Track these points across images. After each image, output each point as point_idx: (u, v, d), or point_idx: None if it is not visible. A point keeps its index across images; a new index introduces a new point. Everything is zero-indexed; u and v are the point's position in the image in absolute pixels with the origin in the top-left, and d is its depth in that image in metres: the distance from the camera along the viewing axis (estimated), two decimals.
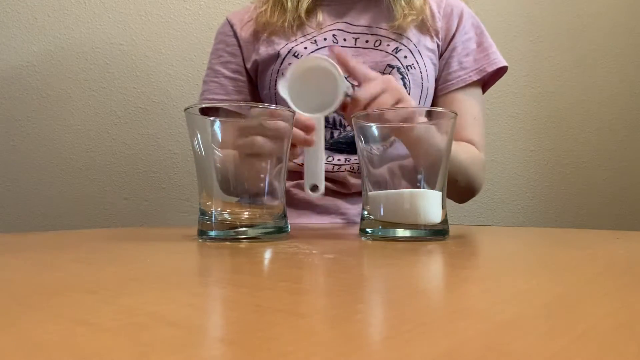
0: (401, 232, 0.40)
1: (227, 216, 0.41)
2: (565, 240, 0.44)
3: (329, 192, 0.75)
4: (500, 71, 0.79)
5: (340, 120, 0.74)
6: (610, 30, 1.30)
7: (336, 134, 0.75)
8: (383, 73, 0.75)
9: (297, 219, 0.74)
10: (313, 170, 0.45)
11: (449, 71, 0.78)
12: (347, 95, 0.51)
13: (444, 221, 0.41)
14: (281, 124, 0.43)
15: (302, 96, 0.50)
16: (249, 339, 0.13)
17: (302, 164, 0.74)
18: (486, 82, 0.81)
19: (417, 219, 0.40)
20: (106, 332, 0.13)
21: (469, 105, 0.78)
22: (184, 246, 0.38)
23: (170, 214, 1.17)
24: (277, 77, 0.77)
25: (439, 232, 0.40)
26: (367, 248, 0.36)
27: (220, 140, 0.41)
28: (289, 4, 0.77)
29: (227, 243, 0.39)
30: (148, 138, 1.17)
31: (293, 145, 0.49)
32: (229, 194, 0.41)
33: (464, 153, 0.72)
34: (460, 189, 0.74)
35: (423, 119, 0.43)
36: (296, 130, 0.47)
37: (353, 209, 0.75)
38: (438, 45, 0.79)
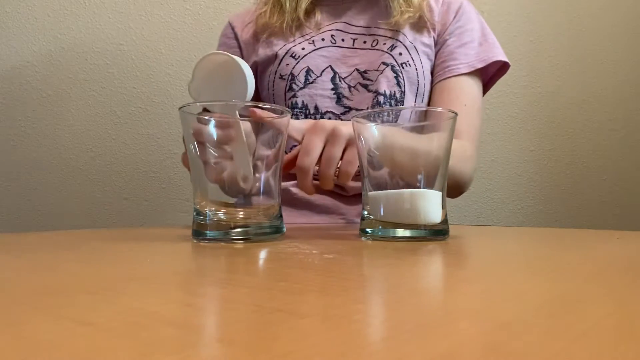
0: (401, 232, 0.40)
1: (222, 216, 0.41)
2: (565, 240, 0.44)
3: (328, 193, 0.75)
4: (502, 68, 0.78)
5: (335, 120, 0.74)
6: (610, 30, 1.30)
7: None
8: (377, 70, 0.74)
9: (296, 219, 0.74)
10: (241, 161, 0.44)
11: (440, 61, 0.77)
12: (289, 150, 0.49)
13: (444, 221, 0.41)
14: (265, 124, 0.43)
15: (214, 95, 0.49)
16: (249, 339, 0.13)
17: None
18: (488, 79, 0.80)
19: (417, 219, 0.40)
20: (106, 332, 0.13)
21: (459, 93, 0.75)
22: (184, 246, 0.37)
23: (170, 214, 1.17)
24: (274, 78, 0.77)
25: (439, 232, 0.40)
26: (367, 248, 0.36)
27: (215, 140, 0.41)
28: (288, 4, 0.77)
29: (222, 244, 0.38)
30: (148, 138, 1.17)
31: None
32: (224, 193, 0.41)
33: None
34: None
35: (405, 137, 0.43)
36: (210, 129, 0.45)
37: (353, 210, 0.75)
38: (434, 39, 0.78)
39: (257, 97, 0.83)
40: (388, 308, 0.17)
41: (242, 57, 0.82)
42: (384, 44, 0.75)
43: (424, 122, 0.43)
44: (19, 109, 1.12)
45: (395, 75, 0.74)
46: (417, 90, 0.76)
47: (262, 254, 0.33)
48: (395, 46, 0.75)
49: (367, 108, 0.73)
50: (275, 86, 0.77)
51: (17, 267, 0.27)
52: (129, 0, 1.16)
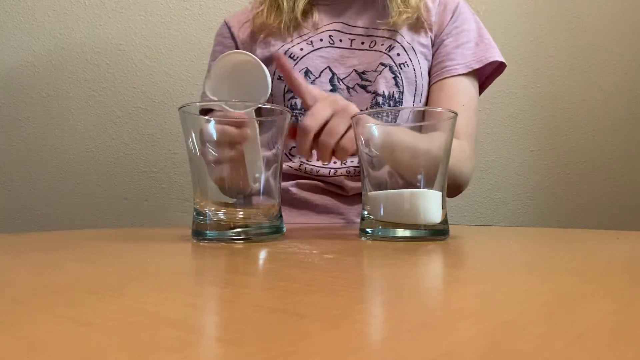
0: (401, 232, 0.40)
1: (222, 216, 0.41)
2: (565, 240, 0.44)
3: (327, 193, 0.75)
4: (498, 68, 0.78)
5: None
6: (611, 30, 1.30)
7: None
8: (375, 71, 0.74)
9: (296, 219, 0.74)
10: (254, 163, 0.44)
11: (437, 61, 0.77)
12: (295, 120, 0.50)
13: (444, 221, 0.41)
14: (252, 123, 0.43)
15: (231, 94, 0.49)
16: (249, 339, 0.13)
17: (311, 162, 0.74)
18: (484, 79, 0.80)
19: (417, 219, 0.40)
20: (106, 332, 0.13)
21: (457, 93, 0.75)
22: (184, 246, 0.37)
23: (170, 214, 1.17)
24: (273, 79, 0.77)
25: (439, 232, 0.40)
26: (367, 248, 0.36)
27: (215, 140, 0.41)
28: (285, 4, 0.77)
29: (222, 244, 0.38)
30: (148, 138, 1.17)
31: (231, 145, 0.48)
32: (224, 193, 0.41)
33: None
34: None
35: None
36: (228, 128, 0.44)
37: (352, 210, 0.75)
38: (431, 40, 0.78)
39: None
40: (388, 308, 0.17)
41: None
42: (382, 44, 0.75)
43: (424, 122, 0.43)
44: (19, 109, 1.12)
45: (393, 75, 0.74)
46: (416, 90, 0.76)
47: (262, 254, 0.33)
48: (393, 47, 0.75)
49: (366, 109, 0.73)
50: (274, 87, 0.77)
51: (17, 267, 0.27)
52: (129, 0, 1.16)
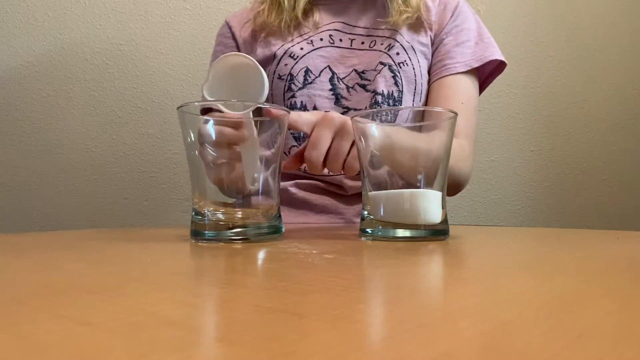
0: (401, 232, 0.40)
1: (220, 216, 0.41)
2: (565, 240, 0.44)
3: (327, 193, 0.75)
4: (498, 67, 0.78)
5: None
6: (610, 31, 1.30)
7: None
8: (374, 70, 0.74)
9: (295, 219, 0.74)
10: (252, 164, 0.44)
11: (437, 60, 0.77)
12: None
13: (444, 221, 0.41)
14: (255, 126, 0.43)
15: (229, 95, 0.49)
16: (249, 339, 0.13)
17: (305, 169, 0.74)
18: (484, 78, 0.80)
19: (417, 219, 0.40)
20: (106, 332, 0.13)
21: (456, 92, 0.75)
22: (184, 246, 0.37)
23: (170, 214, 1.17)
24: (273, 78, 0.77)
25: (439, 232, 0.40)
26: (367, 248, 0.36)
27: (213, 140, 0.41)
28: (286, 3, 0.77)
29: (221, 244, 0.38)
30: (148, 138, 1.17)
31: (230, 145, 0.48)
32: (223, 193, 0.41)
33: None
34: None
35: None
36: (225, 129, 0.44)
37: (351, 210, 0.75)
38: (431, 39, 0.78)
39: None
40: (388, 308, 0.17)
41: None
42: (382, 44, 0.75)
43: (423, 122, 0.43)
44: (19, 109, 1.12)
45: (392, 74, 0.74)
46: (415, 89, 0.76)
47: (262, 254, 0.33)
48: (393, 46, 0.75)
49: (366, 108, 0.73)
50: (273, 86, 0.76)
51: (17, 267, 0.27)
52: (129, 0, 1.16)
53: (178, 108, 0.41)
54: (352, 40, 0.77)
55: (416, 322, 0.14)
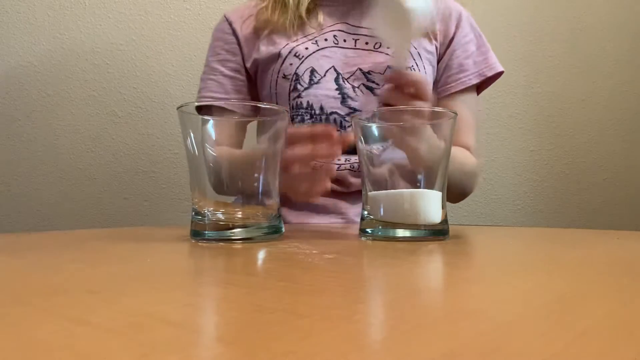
0: (401, 232, 0.40)
1: (221, 216, 0.41)
2: (565, 240, 0.44)
3: (328, 193, 0.75)
4: (496, 75, 0.80)
5: (340, 122, 0.74)
6: (611, 31, 1.30)
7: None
8: (382, 74, 0.75)
9: (296, 219, 0.74)
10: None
11: (449, 74, 0.79)
12: (301, 120, 0.51)
13: (444, 221, 0.41)
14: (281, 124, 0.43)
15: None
16: (249, 339, 0.13)
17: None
18: (481, 85, 0.81)
19: (417, 219, 0.40)
20: (106, 332, 0.13)
21: (467, 109, 0.78)
22: (184, 246, 0.37)
23: (170, 214, 1.17)
24: (277, 77, 0.76)
25: (439, 232, 0.40)
26: (367, 248, 0.36)
27: (214, 139, 0.41)
28: (290, 1, 0.77)
29: (221, 244, 0.38)
30: (148, 138, 1.17)
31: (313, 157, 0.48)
32: (222, 194, 0.41)
33: (458, 161, 0.72)
34: (450, 194, 0.75)
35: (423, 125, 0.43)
36: (319, 145, 0.46)
37: (352, 209, 0.75)
38: (436, 48, 0.79)
39: (257, 96, 0.82)
40: (388, 308, 0.17)
41: (242, 54, 0.81)
42: (387, 47, 0.75)
43: (429, 122, 0.43)
44: (19, 109, 1.12)
45: None
46: None
47: (262, 254, 0.33)
48: None
49: None
50: (278, 86, 0.76)
51: (17, 267, 0.27)
52: (129, 0, 1.16)
53: (178, 108, 0.41)
54: (355, 40, 0.77)
55: (416, 322, 0.14)
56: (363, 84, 0.75)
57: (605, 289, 0.20)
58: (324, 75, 0.75)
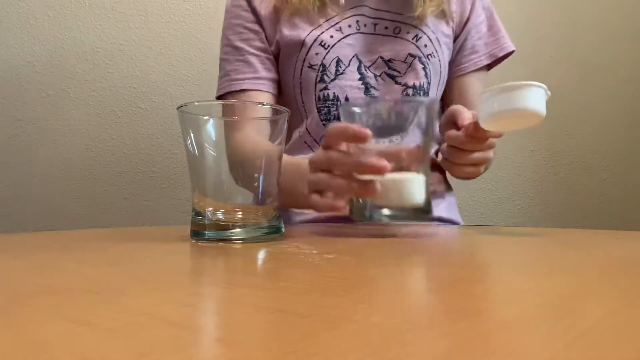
0: (387, 211, 0.43)
1: (220, 216, 0.41)
2: (565, 240, 0.44)
3: None
4: (507, 54, 0.81)
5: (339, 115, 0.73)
6: (611, 31, 1.30)
7: None
8: (404, 62, 0.74)
9: (301, 217, 0.73)
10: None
11: (463, 54, 0.79)
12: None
13: (428, 202, 0.44)
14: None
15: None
16: (249, 339, 0.13)
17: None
18: (491, 63, 0.82)
19: (403, 201, 0.43)
20: (106, 332, 0.13)
21: (479, 87, 0.79)
22: (184, 246, 0.37)
23: (170, 214, 1.17)
24: (302, 66, 0.73)
25: (422, 212, 0.43)
26: (367, 248, 0.36)
27: (214, 139, 0.41)
28: None
29: (221, 244, 0.38)
30: (148, 138, 1.17)
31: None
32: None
33: None
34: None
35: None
36: (370, 160, 0.40)
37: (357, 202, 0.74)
38: (453, 29, 0.79)
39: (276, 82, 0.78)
40: (388, 308, 0.17)
41: (264, 32, 0.76)
42: (408, 32, 0.74)
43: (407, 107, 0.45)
44: (19, 109, 1.12)
45: (422, 66, 0.74)
46: (440, 80, 0.77)
47: (262, 254, 0.33)
48: (420, 37, 0.74)
49: None
50: (303, 75, 0.74)
51: (17, 267, 0.27)
52: (129, 0, 1.16)
53: (178, 108, 0.41)
54: (375, 25, 0.75)
55: (416, 322, 0.14)
56: (384, 72, 0.74)
57: (605, 289, 0.20)
58: (348, 65, 0.74)
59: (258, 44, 0.75)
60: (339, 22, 0.75)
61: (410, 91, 0.74)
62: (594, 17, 1.30)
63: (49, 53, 1.13)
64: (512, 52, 0.80)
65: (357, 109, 0.45)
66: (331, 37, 0.74)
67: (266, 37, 0.76)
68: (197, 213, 0.41)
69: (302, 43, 0.74)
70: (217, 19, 1.19)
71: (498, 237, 0.49)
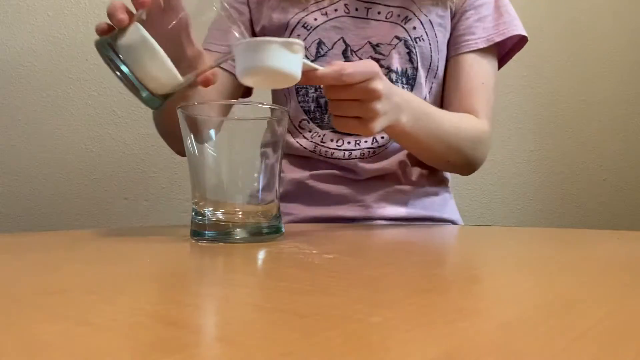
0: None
1: (220, 216, 0.41)
2: (565, 240, 0.44)
3: (343, 182, 0.73)
4: (519, 42, 0.77)
5: None
6: (611, 31, 1.30)
7: None
8: (389, 44, 0.72)
9: (312, 212, 0.73)
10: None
11: (457, 34, 0.76)
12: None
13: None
14: None
15: None
16: (249, 339, 0.13)
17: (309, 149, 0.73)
18: (504, 52, 0.79)
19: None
20: (106, 332, 0.13)
21: (477, 71, 0.75)
22: (184, 246, 0.37)
23: (170, 214, 1.17)
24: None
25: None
26: (367, 248, 0.36)
27: (214, 139, 0.41)
28: None
29: (222, 244, 0.38)
30: (148, 138, 1.17)
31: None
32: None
33: (453, 125, 0.69)
34: (449, 162, 0.72)
35: None
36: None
37: (369, 197, 0.73)
38: (451, 10, 0.76)
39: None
40: (388, 308, 0.17)
41: (250, 15, 0.77)
42: (398, 15, 0.73)
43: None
44: (19, 109, 1.12)
45: (408, 50, 0.72)
46: (430, 65, 0.74)
47: (262, 254, 0.33)
48: (410, 19, 0.73)
49: None
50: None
51: (17, 267, 0.27)
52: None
53: (178, 108, 0.41)
54: (368, 9, 0.74)
55: (416, 322, 0.14)
56: (371, 57, 0.74)
57: (605, 289, 0.20)
58: (332, 47, 0.73)
59: (240, 21, 0.75)
60: (326, 7, 0.74)
61: (392, 75, 0.71)
62: (594, 17, 1.30)
63: (49, 53, 1.13)
64: (519, 38, 0.76)
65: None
66: (315, 19, 0.73)
67: (251, 19, 0.77)
68: (197, 213, 0.41)
69: (287, 25, 0.73)
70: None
71: (498, 237, 0.49)
